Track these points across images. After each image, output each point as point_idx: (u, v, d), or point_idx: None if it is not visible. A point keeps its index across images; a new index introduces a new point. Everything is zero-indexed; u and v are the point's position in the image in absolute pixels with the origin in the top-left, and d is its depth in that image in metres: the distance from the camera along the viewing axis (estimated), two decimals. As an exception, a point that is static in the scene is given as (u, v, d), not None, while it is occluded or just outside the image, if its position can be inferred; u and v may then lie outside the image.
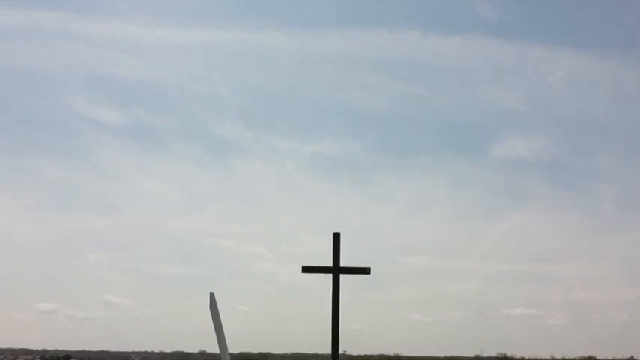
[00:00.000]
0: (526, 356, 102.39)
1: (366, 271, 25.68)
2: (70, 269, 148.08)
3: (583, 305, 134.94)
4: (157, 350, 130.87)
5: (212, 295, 25.30)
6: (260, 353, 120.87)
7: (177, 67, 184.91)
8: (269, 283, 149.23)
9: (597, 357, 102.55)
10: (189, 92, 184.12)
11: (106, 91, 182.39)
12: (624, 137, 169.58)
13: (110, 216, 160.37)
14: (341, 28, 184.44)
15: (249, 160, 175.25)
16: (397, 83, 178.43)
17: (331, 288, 25.59)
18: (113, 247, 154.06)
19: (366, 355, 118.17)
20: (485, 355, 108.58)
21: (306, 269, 25.58)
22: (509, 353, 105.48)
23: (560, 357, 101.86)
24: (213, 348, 25.67)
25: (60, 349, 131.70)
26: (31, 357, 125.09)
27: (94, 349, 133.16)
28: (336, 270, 25.53)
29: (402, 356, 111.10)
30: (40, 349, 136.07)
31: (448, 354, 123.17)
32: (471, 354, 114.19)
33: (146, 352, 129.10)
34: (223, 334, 25.18)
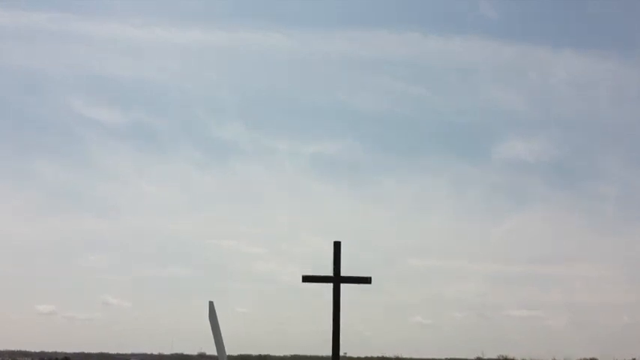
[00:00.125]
0: (527, 358, 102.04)
1: (367, 280, 25.48)
2: (68, 271, 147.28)
3: (585, 307, 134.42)
4: (155, 352, 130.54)
5: (211, 304, 25.04)
6: (259, 355, 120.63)
7: (177, 67, 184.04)
8: (268, 284, 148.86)
9: (599, 359, 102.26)
10: (188, 93, 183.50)
11: (105, 92, 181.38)
12: (626, 138, 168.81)
13: (109, 217, 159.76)
14: (341, 29, 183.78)
15: (248, 161, 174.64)
16: (398, 84, 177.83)
17: (331, 292, 25.42)
18: (112, 249, 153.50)
19: (366, 357, 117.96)
20: (486, 357, 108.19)
21: (307, 279, 25.39)
22: (510, 355, 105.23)
23: (561, 359, 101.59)
24: (213, 350, 25.58)
25: (58, 350, 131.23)
26: (30, 359, 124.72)
27: (93, 351, 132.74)
28: (336, 279, 25.33)
29: (402, 358, 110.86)
30: (38, 350, 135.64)
31: (449, 356, 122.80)
32: (471, 356, 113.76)
33: (145, 354, 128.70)
34: (223, 345, 24.93)
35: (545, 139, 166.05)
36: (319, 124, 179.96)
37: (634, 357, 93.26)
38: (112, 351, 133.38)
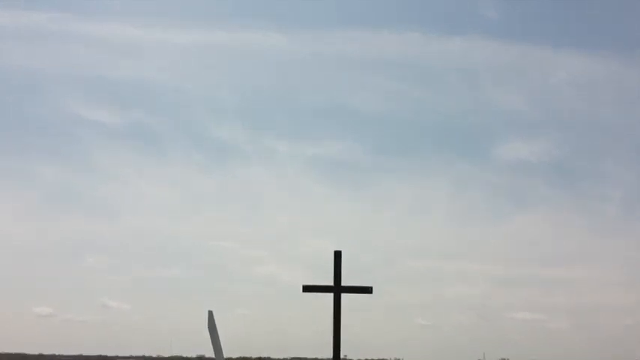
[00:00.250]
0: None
1: (368, 290, 25.16)
2: (67, 272, 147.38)
3: (587, 309, 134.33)
4: (154, 355, 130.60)
5: (210, 313, 24.76)
6: (259, 357, 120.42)
7: (177, 67, 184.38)
8: (268, 285, 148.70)
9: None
10: (188, 93, 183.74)
11: (105, 93, 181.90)
12: (628, 138, 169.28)
13: (108, 218, 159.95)
14: (341, 29, 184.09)
15: (248, 162, 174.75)
16: (398, 84, 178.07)
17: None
18: (111, 250, 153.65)
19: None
20: (487, 359, 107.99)
21: (307, 289, 25.07)
22: (512, 357, 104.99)
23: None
24: (212, 353, 25.24)
25: (57, 353, 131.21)
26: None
27: (92, 354, 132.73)
28: (337, 289, 25.00)
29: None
30: (36, 353, 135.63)
31: (450, 358, 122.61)
32: (473, 358, 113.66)
33: (144, 357, 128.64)
34: (222, 354, 24.63)
35: (546, 139, 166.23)
36: (319, 125, 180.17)
37: (636, 359, 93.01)
38: (111, 353, 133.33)
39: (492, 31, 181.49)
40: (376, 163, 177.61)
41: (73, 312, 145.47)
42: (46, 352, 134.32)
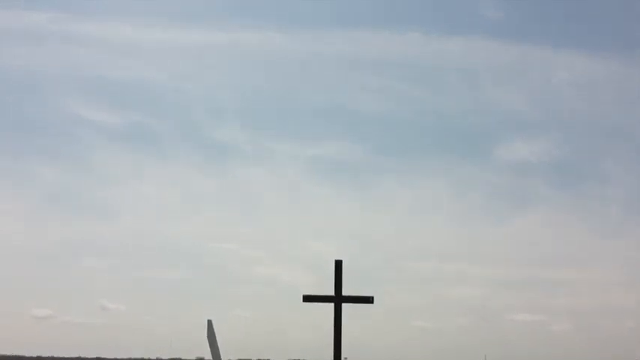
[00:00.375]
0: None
1: (369, 300, 24.90)
2: (66, 274, 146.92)
3: (588, 310, 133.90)
4: (153, 357, 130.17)
5: (210, 322, 24.58)
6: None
7: (177, 68, 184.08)
8: (268, 287, 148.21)
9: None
10: (188, 94, 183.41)
11: (104, 94, 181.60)
12: (629, 139, 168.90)
13: (107, 220, 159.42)
14: (342, 29, 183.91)
15: (248, 163, 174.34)
16: (399, 85, 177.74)
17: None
18: (110, 252, 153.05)
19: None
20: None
21: (307, 298, 24.79)
22: (512, 359, 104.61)
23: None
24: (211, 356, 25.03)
25: (55, 355, 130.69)
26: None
27: (90, 355, 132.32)
28: (337, 299, 24.73)
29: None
30: (35, 355, 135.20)
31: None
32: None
33: (143, 359, 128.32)
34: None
35: (547, 139, 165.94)
36: (319, 125, 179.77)
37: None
38: (110, 355, 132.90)
39: (493, 31, 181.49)
40: (376, 163, 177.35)
41: (72, 314, 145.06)
42: (45, 354, 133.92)
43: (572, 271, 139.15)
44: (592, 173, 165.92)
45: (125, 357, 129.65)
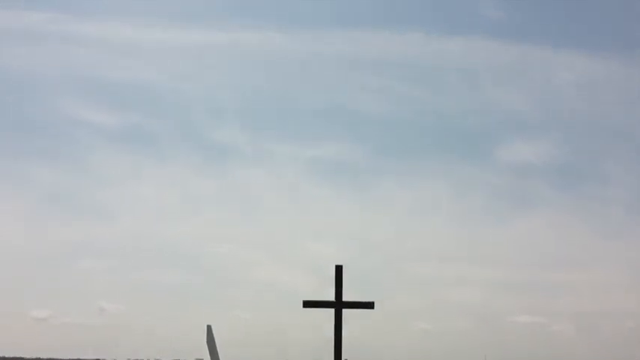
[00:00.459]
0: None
1: (369, 305, 24.71)
2: (64, 275, 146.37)
3: (589, 312, 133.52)
4: (152, 359, 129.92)
5: (209, 328, 24.42)
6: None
7: (176, 68, 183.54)
8: (268, 288, 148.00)
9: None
10: (187, 94, 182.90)
11: (103, 94, 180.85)
12: (630, 139, 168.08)
13: (106, 221, 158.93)
14: (342, 29, 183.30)
15: (247, 164, 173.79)
16: (399, 85, 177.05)
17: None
18: (108, 253, 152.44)
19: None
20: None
21: (308, 304, 24.58)
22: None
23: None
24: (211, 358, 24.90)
25: (54, 357, 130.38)
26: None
27: (89, 357, 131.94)
28: (338, 305, 24.53)
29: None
30: (33, 357, 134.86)
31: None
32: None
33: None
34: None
35: (548, 140, 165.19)
36: (319, 126, 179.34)
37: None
38: (109, 356, 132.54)
39: (493, 31, 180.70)
40: (376, 164, 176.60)
41: (71, 315, 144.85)
42: (43, 355, 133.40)
43: (573, 272, 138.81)
44: (593, 174, 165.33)
45: (124, 359, 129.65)
